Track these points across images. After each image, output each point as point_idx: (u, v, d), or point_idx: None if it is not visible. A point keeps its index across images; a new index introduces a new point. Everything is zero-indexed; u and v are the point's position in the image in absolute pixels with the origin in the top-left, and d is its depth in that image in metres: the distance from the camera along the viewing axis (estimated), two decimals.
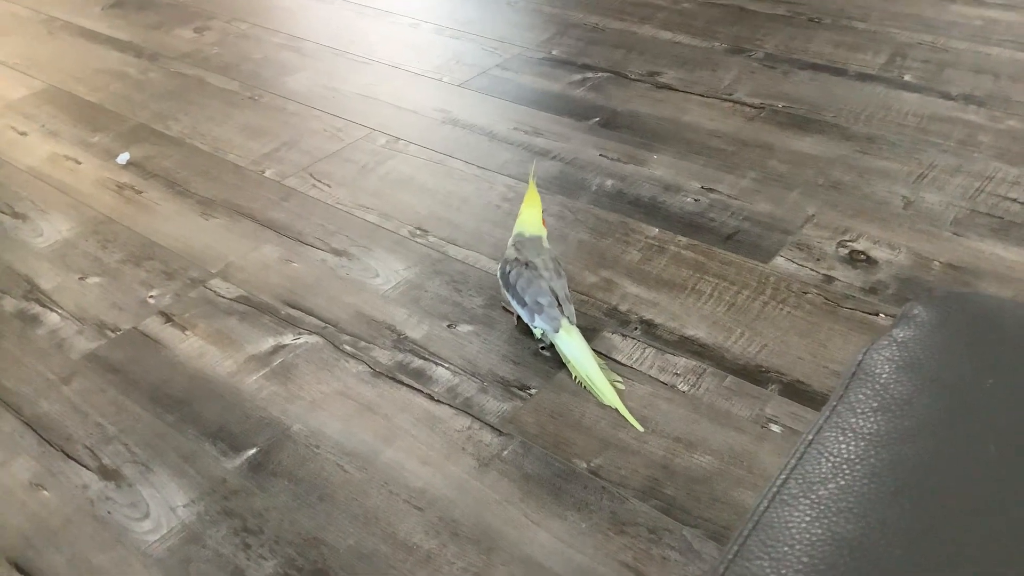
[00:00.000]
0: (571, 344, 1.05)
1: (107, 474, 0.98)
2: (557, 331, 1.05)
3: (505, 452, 0.97)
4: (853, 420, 0.40)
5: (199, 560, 0.88)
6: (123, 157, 1.59)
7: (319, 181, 1.49)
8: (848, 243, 1.27)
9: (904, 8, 2.00)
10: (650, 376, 1.06)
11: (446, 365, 1.10)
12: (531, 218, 1.14)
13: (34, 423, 1.05)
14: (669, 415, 1.01)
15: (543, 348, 1.10)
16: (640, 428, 0.99)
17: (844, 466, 0.37)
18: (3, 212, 1.47)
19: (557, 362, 1.08)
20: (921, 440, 0.38)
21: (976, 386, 0.40)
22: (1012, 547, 0.34)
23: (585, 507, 0.91)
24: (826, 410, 0.42)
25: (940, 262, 1.22)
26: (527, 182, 1.45)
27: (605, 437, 0.98)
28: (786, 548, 0.35)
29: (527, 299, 1.07)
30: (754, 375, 1.06)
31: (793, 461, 0.39)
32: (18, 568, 0.89)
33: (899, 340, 0.43)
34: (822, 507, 0.36)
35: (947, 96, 1.63)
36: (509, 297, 1.11)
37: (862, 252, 1.25)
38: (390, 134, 1.62)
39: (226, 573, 0.87)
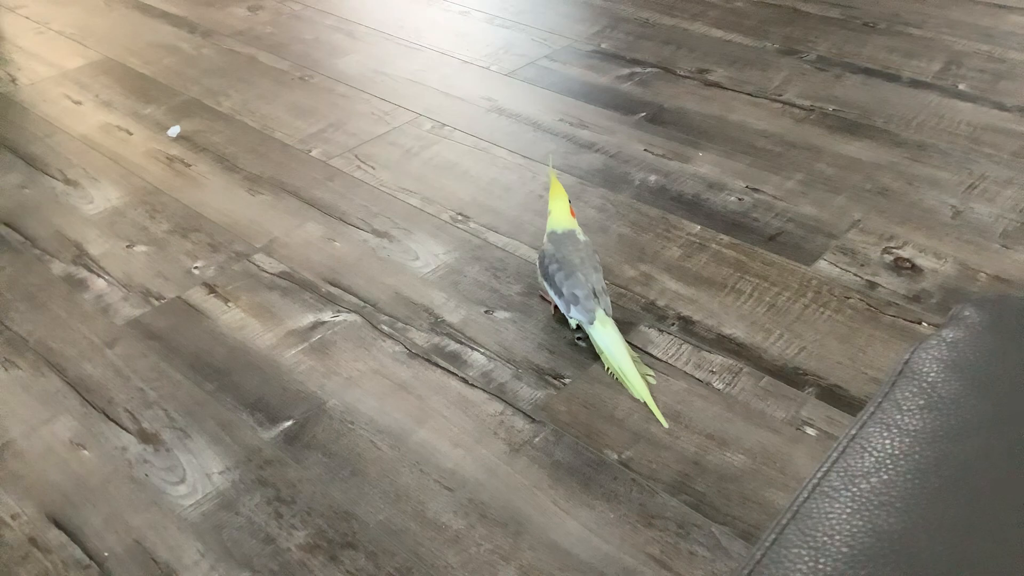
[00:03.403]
0: (605, 336, 1.05)
1: (146, 438, 1.00)
2: (592, 323, 1.06)
3: (536, 439, 0.98)
4: (898, 417, 0.40)
5: (232, 526, 0.90)
6: (174, 130, 1.62)
7: (364, 163, 1.51)
8: (893, 250, 1.25)
9: (961, 16, 1.96)
10: (685, 372, 1.06)
11: (481, 350, 1.10)
12: (560, 213, 1.13)
13: (77, 384, 1.08)
14: (703, 412, 1.01)
15: (579, 339, 1.11)
16: (665, 424, 0.99)
17: (888, 461, 0.37)
18: (55, 178, 1.50)
19: (592, 353, 1.08)
20: (968, 440, 0.37)
21: (1023, 388, 0.39)
22: None
23: (614, 498, 0.91)
24: (870, 406, 0.42)
25: (987, 273, 1.20)
26: (571, 174, 1.45)
27: (637, 430, 0.98)
28: (825, 538, 0.35)
29: (564, 291, 1.07)
30: (791, 377, 1.05)
31: (835, 454, 0.39)
32: (56, 523, 0.91)
33: (948, 340, 0.43)
34: (863, 500, 0.36)
35: (1002, 107, 1.60)
36: (547, 287, 1.11)
37: (907, 260, 1.23)
38: (436, 120, 1.63)
39: (258, 540, 0.88)
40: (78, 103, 1.74)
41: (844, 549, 0.34)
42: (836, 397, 1.02)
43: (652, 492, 0.92)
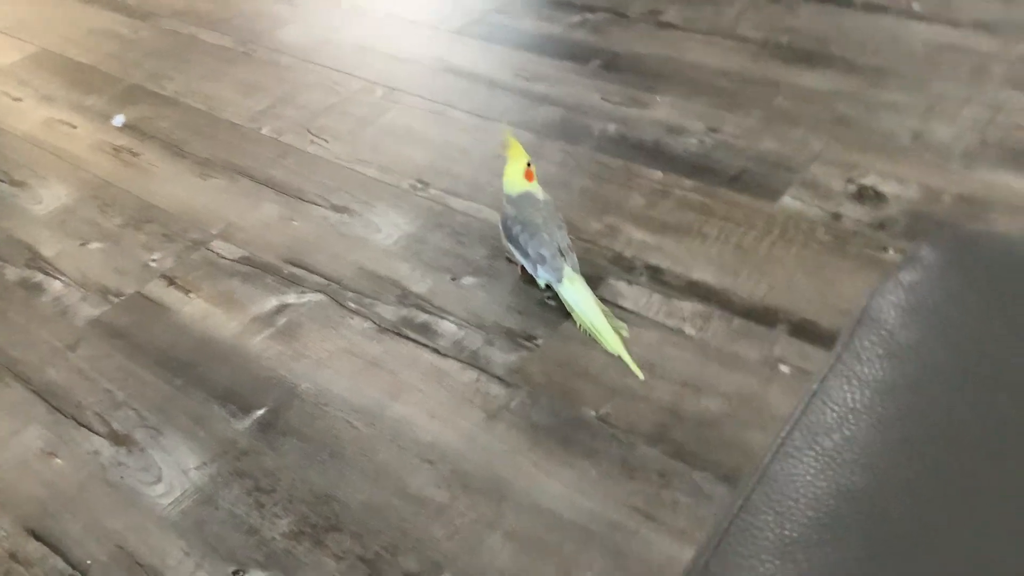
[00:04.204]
0: (574, 293, 1.04)
1: (118, 439, 0.99)
2: (560, 281, 1.04)
3: (513, 403, 0.97)
4: (859, 368, 0.39)
5: (213, 521, 0.89)
6: (118, 119, 1.57)
7: (317, 136, 1.47)
8: (856, 179, 1.25)
9: None
10: (657, 322, 1.05)
11: (451, 318, 1.09)
12: (512, 176, 1.11)
13: (43, 391, 1.06)
14: (677, 360, 1.00)
15: (548, 298, 1.10)
16: (641, 376, 0.98)
17: (850, 416, 0.37)
18: (1, 180, 1.45)
19: (563, 311, 1.07)
20: (929, 388, 0.37)
21: (985, 330, 0.39)
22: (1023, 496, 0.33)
23: (594, 454, 0.91)
24: (831, 358, 0.41)
25: (950, 195, 1.20)
26: (528, 130, 1.42)
27: (613, 384, 0.98)
28: (791, 502, 0.34)
29: (530, 251, 1.06)
30: (762, 316, 1.05)
31: (798, 412, 0.38)
32: (35, 536, 0.90)
33: (906, 284, 0.42)
34: (827, 459, 0.35)
35: (956, 24, 1.59)
36: (512, 249, 1.10)
37: (870, 187, 1.23)
38: (387, 85, 1.60)
39: (241, 533, 0.88)
40: (18, 100, 1.69)
41: (809, 513, 0.33)
42: (808, 332, 1.02)
43: (632, 445, 0.92)
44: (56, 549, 0.88)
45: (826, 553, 0.31)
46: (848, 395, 0.37)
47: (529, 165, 1.11)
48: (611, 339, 1.01)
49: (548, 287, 1.08)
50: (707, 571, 0.34)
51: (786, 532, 0.32)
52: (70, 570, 0.86)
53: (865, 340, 0.40)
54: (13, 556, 0.88)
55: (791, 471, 0.35)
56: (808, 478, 0.34)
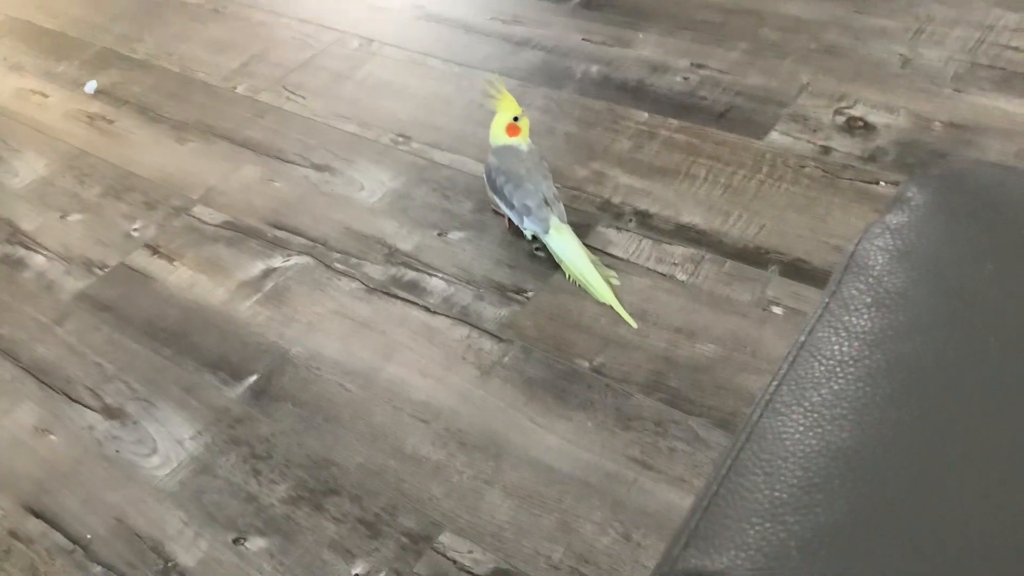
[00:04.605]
0: (562, 243, 1.03)
1: (111, 413, 0.98)
2: (547, 232, 1.03)
3: (506, 358, 0.97)
4: (847, 318, 0.38)
5: (211, 490, 0.89)
6: (91, 86, 1.53)
7: (293, 93, 1.44)
8: (845, 110, 1.22)
9: None
10: (648, 268, 1.04)
11: (440, 275, 1.08)
12: (496, 129, 1.08)
13: (32, 368, 1.05)
14: (669, 306, 0.99)
15: (537, 249, 1.08)
16: (634, 325, 0.97)
17: (838, 369, 0.36)
18: None
19: (552, 263, 1.06)
20: (918, 336, 0.36)
21: (974, 273, 0.37)
22: (1016, 446, 0.32)
23: (590, 406, 0.91)
24: (818, 308, 0.40)
25: (941, 122, 1.18)
26: (510, 76, 1.39)
27: (606, 334, 0.97)
28: (780, 461, 0.33)
29: (515, 202, 1.04)
30: (753, 257, 1.03)
31: (785, 366, 0.37)
32: (34, 513, 0.90)
33: (892, 227, 0.40)
34: (816, 415, 0.34)
35: None
36: (498, 200, 1.08)
37: (859, 118, 1.21)
38: (363, 36, 1.56)
39: (239, 500, 0.87)
40: None
41: (799, 473, 0.32)
42: (800, 271, 1.01)
43: (627, 395, 0.91)
44: (55, 525, 0.88)
45: (816, 515, 0.30)
46: (836, 347, 0.36)
47: (516, 120, 1.08)
48: (601, 288, 1.00)
49: (535, 238, 1.07)
50: (697, 534, 0.33)
51: (776, 494, 0.32)
52: (71, 545, 0.86)
53: (852, 288, 0.38)
54: (13, 534, 0.88)
55: (780, 428, 0.34)
56: (797, 436, 0.34)
